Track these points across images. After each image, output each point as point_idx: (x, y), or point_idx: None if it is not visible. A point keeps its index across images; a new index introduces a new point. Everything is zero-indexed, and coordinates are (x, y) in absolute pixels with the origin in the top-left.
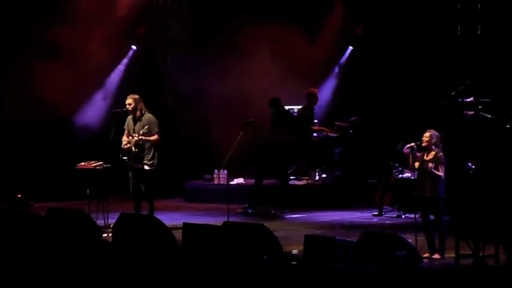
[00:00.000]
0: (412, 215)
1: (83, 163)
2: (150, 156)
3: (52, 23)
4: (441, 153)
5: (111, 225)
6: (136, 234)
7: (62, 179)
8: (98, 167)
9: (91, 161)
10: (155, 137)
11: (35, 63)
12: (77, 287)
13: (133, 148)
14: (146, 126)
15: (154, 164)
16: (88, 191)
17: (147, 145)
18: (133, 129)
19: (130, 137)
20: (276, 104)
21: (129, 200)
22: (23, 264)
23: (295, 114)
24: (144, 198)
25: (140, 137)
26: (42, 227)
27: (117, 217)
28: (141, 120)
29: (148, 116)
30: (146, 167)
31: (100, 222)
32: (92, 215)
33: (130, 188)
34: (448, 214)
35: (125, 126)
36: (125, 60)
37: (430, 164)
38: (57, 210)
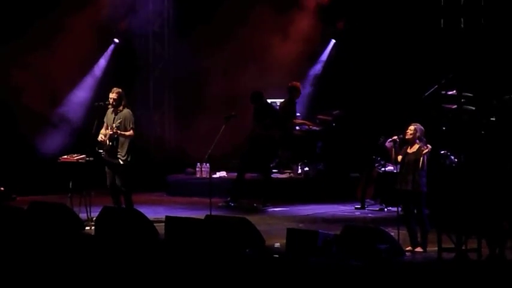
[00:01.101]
0: (395, 209)
1: (65, 156)
2: (125, 151)
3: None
4: (427, 146)
5: (94, 219)
6: (119, 228)
7: (45, 172)
8: (80, 161)
9: (73, 154)
10: (130, 132)
11: (15, 56)
12: (59, 280)
13: (107, 141)
14: (119, 121)
15: (129, 159)
16: (70, 184)
17: (122, 140)
18: (112, 123)
19: (108, 130)
20: (258, 98)
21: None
22: (4, 257)
23: (277, 108)
24: (121, 193)
25: (115, 131)
26: (24, 220)
27: (99, 210)
28: (120, 114)
29: (125, 111)
30: (120, 162)
31: (83, 215)
32: (74, 209)
33: (107, 182)
34: (429, 208)
35: (105, 119)
36: (107, 54)
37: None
38: (40, 204)
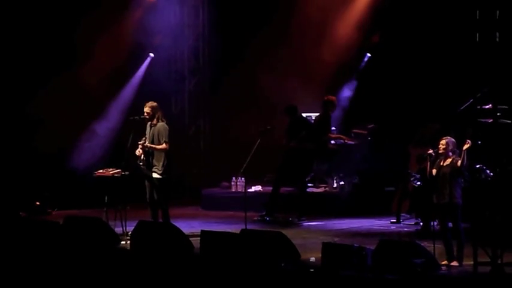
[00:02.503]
0: (431, 223)
1: (101, 171)
2: (161, 164)
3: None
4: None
5: (130, 233)
6: (155, 242)
7: (80, 187)
8: (116, 175)
9: (109, 168)
10: (162, 145)
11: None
12: None
13: (142, 156)
14: (152, 134)
15: (166, 172)
16: (106, 198)
17: (158, 153)
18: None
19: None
20: (293, 111)
21: (147, 208)
22: (41, 272)
23: (313, 121)
24: (158, 206)
25: (146, 145)
26: (60, 234)
27: (135, 225)
28: (155, 127)
29: (159, 124)
30: (157, 175)
31: (118, 229)
32: (110, 223)
33: (147, 196)
34: (466, 221)
35: (146, 133)
36: (143, 68)
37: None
38: (75, 218)
